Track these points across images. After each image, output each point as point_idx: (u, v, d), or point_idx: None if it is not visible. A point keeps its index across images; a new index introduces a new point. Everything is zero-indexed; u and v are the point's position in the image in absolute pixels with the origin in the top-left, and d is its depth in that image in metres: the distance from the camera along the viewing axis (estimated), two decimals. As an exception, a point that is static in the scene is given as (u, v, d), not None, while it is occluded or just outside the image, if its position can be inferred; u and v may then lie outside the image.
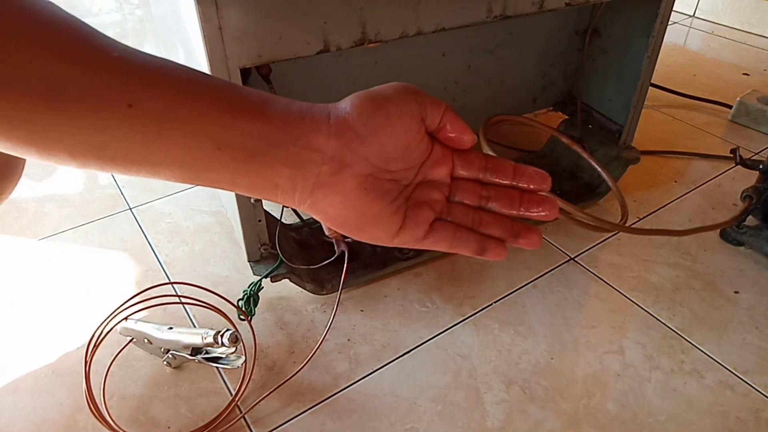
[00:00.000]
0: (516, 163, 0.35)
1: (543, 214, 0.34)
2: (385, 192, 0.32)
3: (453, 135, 0.33)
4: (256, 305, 0.67)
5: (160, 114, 0.27)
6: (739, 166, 0.81)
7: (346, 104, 0.31)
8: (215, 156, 0.28)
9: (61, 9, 0.26)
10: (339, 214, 0.31)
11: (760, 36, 1.58)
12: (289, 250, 0.70)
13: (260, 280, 0.66)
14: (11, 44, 0.24)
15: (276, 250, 0.66)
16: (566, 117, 0.99)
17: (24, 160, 0.47)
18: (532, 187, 0.34)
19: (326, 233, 0.69)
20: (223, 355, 0.62)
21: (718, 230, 0.84)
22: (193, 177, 0.29)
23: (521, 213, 0.34)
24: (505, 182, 0.34)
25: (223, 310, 0.65)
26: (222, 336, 0.58)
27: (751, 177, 0.82)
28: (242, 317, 0.66)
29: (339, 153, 0.30)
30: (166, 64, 0.28)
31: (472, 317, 0.71)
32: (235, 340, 0.58)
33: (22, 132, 0.25)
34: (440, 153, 0.34)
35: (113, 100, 0.26)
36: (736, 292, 0.75)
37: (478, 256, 0.35)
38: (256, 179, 0.30)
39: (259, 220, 0.64)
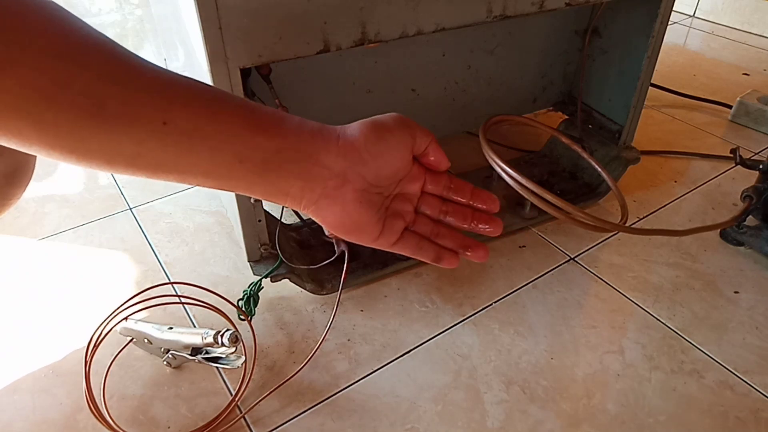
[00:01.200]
0: (474, 186, 0.41)
1: (489, 229, 0.41)
2: (373, 204, 0.37)
3: (433, 159, 0.39)
4: (256, 305, 0.67)
5: (190, 130, 0.30)
6: (739, 166, 0.81)
7: (354, 130, 0.35)
8: (236, 168, 0.32)
9: (97, 31, 0.28)
10: (336, 220, 0.36)
11: (760, 36, 1.58)
12: (289, 250, 0.70)
13: (260, 280, 0.66)
14: (59, 64, 0.26)
15: (276, 250, 0.66)
16: (566, 117, 0.99)
17: (33, 167, 0.48)
18: (484, 207, 0.41)
19: (326, 233, 0.69)
20: (223, 355, 0.62)
21: (718, 230, 0.84)
22: (215, 184, 0.33)
23: (471, 227, 0.41)
24: (462, 201, 0.41)
25: (223, 310, 0.65)
26: (222, 336, 0.58)
27: (751, 177, 0.82)
28: (242, 317, 0.66)
29: (344, 171, 0.35)
30: (192, 83, 0.31)
31: (472, 317, 0.71)
32: (235, 340, 0.58)
33: (66, 142, 0.28)
34: (417, 170, 0.39)
35: (150, 118, 0.29)
36: (736, 292, 0.75)
37: (434, 263, 0.41)
38: (270, 188, 0.34)
39: (259, 220, 0.64)
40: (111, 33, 1.52)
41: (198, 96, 0.31)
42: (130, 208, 0.90)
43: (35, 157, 0.47)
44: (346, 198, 0.35)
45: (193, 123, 0.30)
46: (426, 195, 0.41)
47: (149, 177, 0.31)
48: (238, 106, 0.32)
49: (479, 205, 0.41)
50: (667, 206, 0.91)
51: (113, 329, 0.64)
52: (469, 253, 0.41)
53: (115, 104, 0.27)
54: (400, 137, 0.36)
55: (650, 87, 0.85)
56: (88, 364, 0.60)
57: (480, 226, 0.41)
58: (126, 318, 0.64)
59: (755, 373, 0.65)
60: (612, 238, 0.84)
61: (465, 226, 0.41)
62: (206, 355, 0.62)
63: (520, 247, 0.82)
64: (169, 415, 0.60)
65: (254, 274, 0.66)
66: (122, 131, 0.28)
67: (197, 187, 0.92)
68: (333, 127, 0.36)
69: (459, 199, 0.41)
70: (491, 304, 0.73)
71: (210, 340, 0.59)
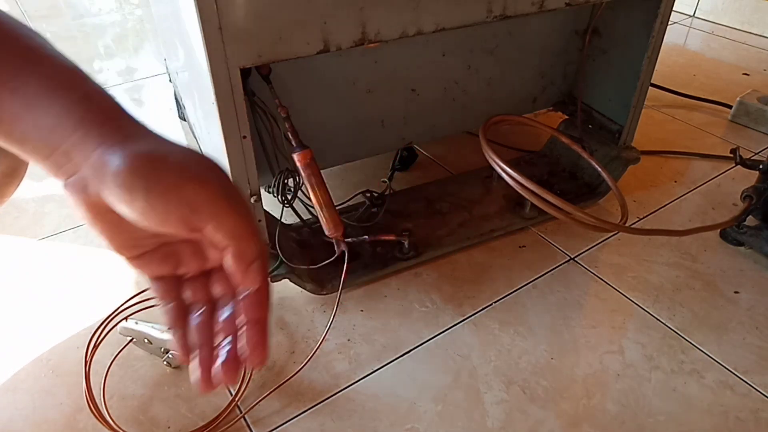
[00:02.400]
0: (264, 320, 0.31)
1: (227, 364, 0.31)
2: (126, 231, 0.29)
3: (231, 271, 0.29)
4: (256, 305, 0.67)
5: None
6: (739, 166, 0.81)
7: (125, 155, 0.27)
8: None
9: None
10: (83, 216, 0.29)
11: (760, 36, 1.58)
12: (289, 250, 0.70)
13: (260, 280, 0.66)
14: None
15: (276, 250, 0.66)
16: (566, 117, 0.99)
17: (27, 164, 0.48)
18: (248, 348, 0.30)
19: (326, 233, 0.69)
20: (223, 355, 0.62)
21: (718, 230, 0.84)
22: None
23: (216, 335, 0.32)
24: (239, 316, 0.31)
25: (223, 310, 0.65)
26: (222, 336, 0.58)
27: (751, 177, 0.82)
28: (242, 317, 0.66)
29: (82, 181, 0.27)
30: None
31: (472, 317, 0.71)
32: (235, 340, 0.58)
33: None
34: None
35: None
36: (736, 292, 0.75)
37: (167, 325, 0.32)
38: (29, 156, 0.28)
39: (259, 220, 0.64)
40: (111, 33, 1.51)
41: None
42: (130, 208, 0.90)
43: None
44: (82, 204, 0.28)
45: None
46: (222, 273, 0.31)
47: None
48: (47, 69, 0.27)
49: (246, 335, 0.30)
50: (667, 206, 0.91)
51: (113, 329, 0.64)
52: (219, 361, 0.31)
53: None
54: (163, 207, 0.26)
55: (650, 87, 0.85)
56: (88, 364, 0.60)
57: (223, 341, 0.31)
58: (126, 318, 0.64)
59: (755, 373, 0.65)
60: (612, 238, 0.84)
61: (217, 330, 0.31)
62: (206, 355, 0.62)
63: (520, 247, 0.82)
64: (169, 415, 0.60)
65: (254, 274, 0.66)
66: None
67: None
68: (116, 132, 0.28)
69: (244, 312, 0.31)
70: (491, 304, 0.73)
71: (210, 340, 0.59)
